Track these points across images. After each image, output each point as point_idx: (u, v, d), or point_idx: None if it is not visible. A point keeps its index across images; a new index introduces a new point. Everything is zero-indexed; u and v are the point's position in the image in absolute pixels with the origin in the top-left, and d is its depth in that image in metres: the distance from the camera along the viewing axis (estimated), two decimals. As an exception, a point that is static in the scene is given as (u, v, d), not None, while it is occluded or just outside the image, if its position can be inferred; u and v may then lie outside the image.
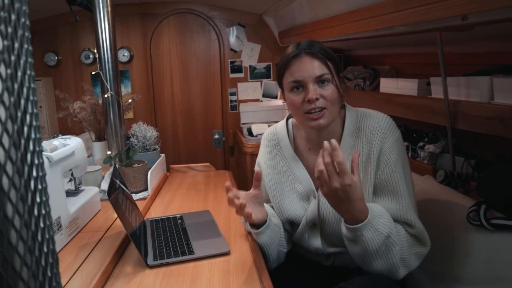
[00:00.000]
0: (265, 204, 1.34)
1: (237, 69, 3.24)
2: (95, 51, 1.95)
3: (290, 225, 1.36)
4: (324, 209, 1.25)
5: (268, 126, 2.87)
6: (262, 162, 1.40)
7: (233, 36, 3.18)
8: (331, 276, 1.28)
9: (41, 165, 0.37)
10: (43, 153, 1.17)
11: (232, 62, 3.22)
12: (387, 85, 2.04)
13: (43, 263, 0.36)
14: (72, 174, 1.43)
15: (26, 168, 0.35)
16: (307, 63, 1.17)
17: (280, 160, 1.35)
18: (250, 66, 3.24)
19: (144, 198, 1.70)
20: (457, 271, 1.24)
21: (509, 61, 1.47)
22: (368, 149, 1.20)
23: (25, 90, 0.36)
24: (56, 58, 3.08)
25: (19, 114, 0.34)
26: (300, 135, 1.36)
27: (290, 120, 1.41)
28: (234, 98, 3.28)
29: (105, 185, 1.68)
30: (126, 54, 3.10)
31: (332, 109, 1.18)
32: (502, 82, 1.32)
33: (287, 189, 1.32)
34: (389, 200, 1.17)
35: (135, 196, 1.71)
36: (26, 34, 0.35)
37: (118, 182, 1.29)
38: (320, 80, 1.17)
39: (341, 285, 1.13)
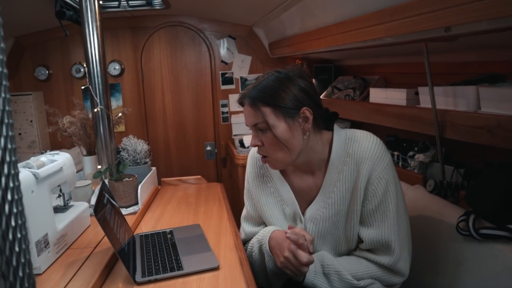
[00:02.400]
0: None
1: (228, 80, 3.25)
2: (85, 65, 1.95)
3: None
4: (310, 233, 1.23)
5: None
6: (251, 184, 1.37)
7: (223, 48, 3.20)
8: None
9: (17, 188, 0.36)
10: (31, 170, 1.16)
11: (223, 74, 3.23)
12: (377, 95, 2.05)
13: (18, 288, 0.36)
14: (60, 190, 1.42)
15: (0, 192, 0.34)
16: (246, 111, 1.18)
17: (267, 181, 1.33)
18: (241, 77, 3.25)
19: (134, 213, 1.68)
20: (447, 281, 1.23)
21: (495, 70, 1.49)
22: (355, 177, 1.16)
23: (-1, 113, 0.35)
24: (47, 72, 3.07)
25: (-7, 139, 0.34)
26: None
27: None
28: (225, 109, 3.28)
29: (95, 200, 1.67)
30: (117, 67, 3.10)
31: (276, 156, 1.16)
32: (488, 91, 1.33)
33: (277, 211, 1.31)
34: (372, 229, 1.16)
35: (125, 211, 1.69)
36: (1, 57, 0.35)
37: (107, 197, 1.28)
38: (258, 128, 1.16)
39: None
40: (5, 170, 0.36)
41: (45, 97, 3.13)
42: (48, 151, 1.39)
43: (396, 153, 1.95)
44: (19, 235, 0.37)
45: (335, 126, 1.24)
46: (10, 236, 0.36)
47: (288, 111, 1.12)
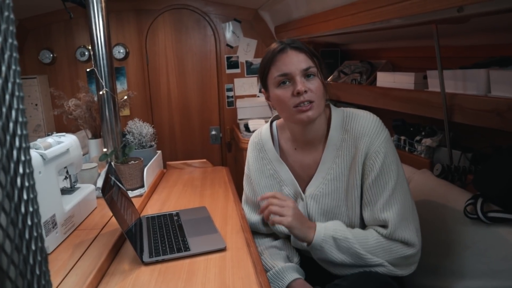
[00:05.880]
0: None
1: (233, 64, 3.22)
2: (90, 48, 1.93)
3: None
4: (312, 210, 1.25)
5: (265, 121, 2.86)
6: (251, 167, 1.39)
7: (229, 32, 3.17)
8: (327, 271, 1.27)
9: (28, 162, 0.36)
10: (38, 151, 1.16)
11: (228, 58, 3.20)
12: (384, 79, 2.03)
13: (31, 261, 0.36)
14: (67, 172, 1.42)
15: (12, 165, 0.34)
16: (294, 56, 1.16)
17: (266, 164, 1.35)
18: (246, 61, 3.23)
19: (140, 195, 1.69)
20: (454, 264, 1.24)
21: (505, 53, 1.46)
22: (353, 153, 1.19)
23: (10, 85, 0.35)
24: (51, 55, 3.06)
25: (4, 109, 0.33)
26: (285, 137, 1.34)
27: (274, 123, 1.40)
28: (230, 94, 3.26)
29: (101, 183, 1.68)
30: (121, 50, 3.08)
31: (320, 103, 1.18)
32: (499, 74, 1.31)
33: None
34: (370, 206, 1.17)
35: (131, 193, 1.70)
36: (11, 28, 0.34)
37: (113, 179, 1.28)
38: (306, 74, 1.16)
39: (336, 282, 1.13)
40: (17, 143, 0.35)
41: (49, 80, 3.12)
42: (54, 133, 1.39)
43: (403, 137, 1.93)
44: (31, 209, 0.37)
45: (331, 105, 1.29)
46: (23, 210, 0.36)
47: (322, 69, 1.22)
